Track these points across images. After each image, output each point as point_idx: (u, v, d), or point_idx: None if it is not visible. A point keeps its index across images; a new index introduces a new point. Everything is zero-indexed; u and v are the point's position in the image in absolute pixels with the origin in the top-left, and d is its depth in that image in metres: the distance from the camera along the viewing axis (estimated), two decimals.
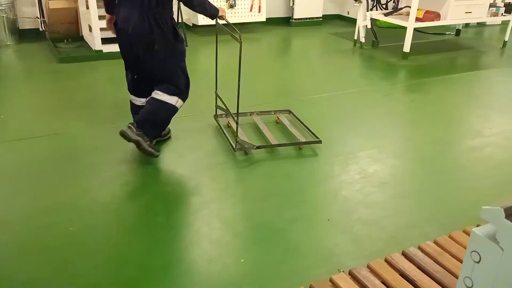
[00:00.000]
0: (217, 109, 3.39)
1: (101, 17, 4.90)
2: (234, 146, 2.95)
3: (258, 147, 2.98)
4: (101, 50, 4.94)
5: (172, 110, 2.85)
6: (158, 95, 2.79)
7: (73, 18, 5.52)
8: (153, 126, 2.80)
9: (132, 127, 2.71)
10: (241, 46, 2.71)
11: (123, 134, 2.69)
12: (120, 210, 2.37)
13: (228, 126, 3.31)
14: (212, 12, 2.82)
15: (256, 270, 1.98)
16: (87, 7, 4.99)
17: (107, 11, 2.86)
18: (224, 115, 3.41)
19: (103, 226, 2.24)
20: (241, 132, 3.05)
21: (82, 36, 5.52)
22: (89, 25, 5.21)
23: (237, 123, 2.94)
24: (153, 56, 2.66)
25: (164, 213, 2.34)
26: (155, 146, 2.86)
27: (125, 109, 3.63)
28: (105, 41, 5.00)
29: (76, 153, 2.95)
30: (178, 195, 2.54)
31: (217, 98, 3.35)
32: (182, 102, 2.89)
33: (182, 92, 2.86)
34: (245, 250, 2.10)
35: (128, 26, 2.59)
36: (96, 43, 4.90)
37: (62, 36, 5.43)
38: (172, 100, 2.81)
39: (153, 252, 2.06)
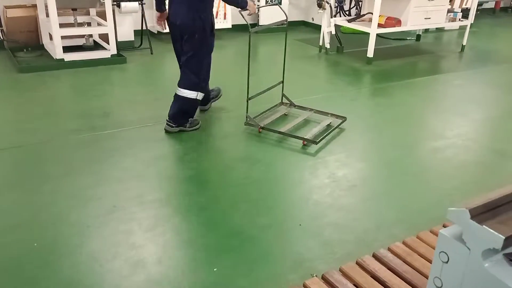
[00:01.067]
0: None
1: (62, 25, 4.78)
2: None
3: (263, 128, 3.39)
4: (63, 59, 4.81)
5: (194, 102, 3.37)
6: (180, 91, 3.30)
7: (33, 27, 5.36)
8: (183, 116, 3.36)
9: (169, 123, 3.32)
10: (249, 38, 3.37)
11: (166, 131, 3.33)
12: (82, 223, 2.30)
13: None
14: (242, 5, 3.30)
15: (229, 279, 1.96)
16: (47, 15, 4.85)
17: (157, 9, 3.43)
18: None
19: (67, 240, 2.16)
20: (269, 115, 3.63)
21: (43, 44, 5.36)
22: (49, 33, 5.07)
23: (247, 102, 3.47)
24: (192, 44, 3.19)
25: (139, 231, 2.29)
26: (193, 122, 3.42)
27: (87, 119, 3.55)
28: (66, 49, 4.87)
29: (38, 166, 2.84)
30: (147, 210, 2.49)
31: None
32: (202, 94, 3.37)
33: (201, 86, 3.33)
34: (217, 259, 2.07)
35: (177, 19, 3.17)
36: (57, 52, 4.77)
37: (22, 45, 5.25)
38: (193, 94, 3.31)
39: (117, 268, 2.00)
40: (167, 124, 3.32)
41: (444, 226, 2.04)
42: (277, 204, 2.54)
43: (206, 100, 3.69)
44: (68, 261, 2.03)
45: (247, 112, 3.46)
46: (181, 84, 3.30)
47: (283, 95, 3.91)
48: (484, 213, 1.15)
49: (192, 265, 2.04)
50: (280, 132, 3.33)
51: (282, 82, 3.87)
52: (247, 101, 3.45)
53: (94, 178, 2.70)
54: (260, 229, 2.30)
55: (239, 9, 3.33)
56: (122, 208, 2.41)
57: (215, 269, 2.00)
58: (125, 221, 2.32)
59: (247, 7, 3.31)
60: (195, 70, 3.26)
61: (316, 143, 3.20)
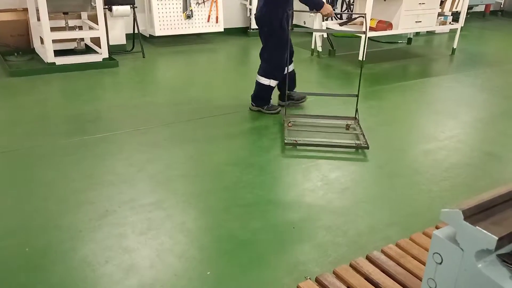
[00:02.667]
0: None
1: (53, 29, 4.75)
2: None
3: (298, 144, 3.36)
4: (54, 63, 4.78)
5: (269, 88, 3.81)
6: (258, 78, 3.82)
7: (24, 30, 5.32)
8: (260, 99, 3.87)
9: (251, 103, 3.91)
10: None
11: (250, 109, 3.92)
12: (74, 227, 2.28)
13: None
14: (316, 6, 3.65)
15: (223, 283, 1.95)
16: (38, 19, 4.82)
17: None
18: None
19: (59, 245, 2.14)
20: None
21: (34, 48, 5.32)
22: (40, 37, 5.04)
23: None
24: (263, 35, 3.70)
25: (133, 234, 2.27)
26: (271, 107, 3.88)
27: (79, 123, 3.54)
28: (57, 53, 4.84)
29: (29, 171, 2.82)
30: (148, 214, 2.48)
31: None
32: (275, 81, 3.79)
33: (273, 75, 3.76)
34: (210, 263, 2.07)
35: (256, 13, 3.68)
36: (48, 56, 4.74)
37: (12, 49, 5.22)
38: (266, 81, 3.78)
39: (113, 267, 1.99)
40: (251, 103, 3.89)
41: (437, 228, 2.04)
42: (270, 208, 2.54)
43: (286, 97, 3.82)
44: (61, 266, 2.01)
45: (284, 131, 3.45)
46: (258, 71, 3.81)
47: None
48: (477, 214, 1.15)
49: (185, 269, 2.03)
50: (322, 145, 3.27)
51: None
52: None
53: (86, 182, 2.68)
54: (253, 233, 2.29)
55: (314, 10, 3.70)
56: (115, 212, 2.40)
57: (208, 273, 1.99)
58: (118, 225, 2.30)
59: (321, 10, 3.64)
60: (266, 59, 3.73)
61: (368, 147, 3.26)
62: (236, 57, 6.03)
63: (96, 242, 2.17)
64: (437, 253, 1.16)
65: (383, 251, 1.89)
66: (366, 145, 3.27)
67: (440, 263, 1.16)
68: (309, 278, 1.88)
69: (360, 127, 3.53)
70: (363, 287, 1.70)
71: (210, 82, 4.63)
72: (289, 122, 3.57)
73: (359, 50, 5.44)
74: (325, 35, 5.87)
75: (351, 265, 1.84)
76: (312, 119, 3.71)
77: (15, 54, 5.19)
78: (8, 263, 2.01)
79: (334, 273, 1.83)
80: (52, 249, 2.11)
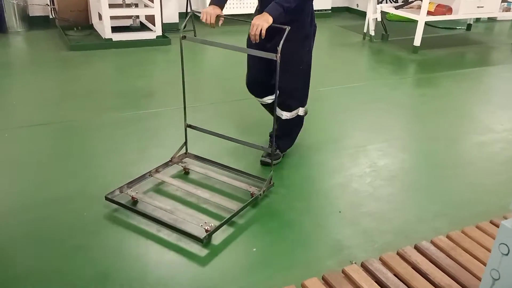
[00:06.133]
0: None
1: (111, 6, 4.89)
2: None
3: None
4: (111, 39, 4.94)
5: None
6: (289, 112, 2.78)
7: (83, 6, 5.51)
8: (294, 139, 2.92)
9: (276, 151, 2.87)
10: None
11: (269, 163, 2.78)
12: (123, 198, 2.38)
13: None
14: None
15: (268, 259, 1.99)
16: None
17: None
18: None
19: (113, 211, 2.25)
20: None
21: (92, 24, 5.51)
22: (99, 13, 5.20)
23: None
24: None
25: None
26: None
27: (131, 98, 3.66)
28: (114, 29, 4.99)
29: (83, 142, 2.96)
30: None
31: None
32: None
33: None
34: (256, 240, 2.11)
35: None
36: (106, 32, 4.90)
37: (72, 24, 5.43)
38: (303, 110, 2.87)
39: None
40: (273, 153, 2.93)
41: (505, 218, 1.98)
42: (315, 190, 2.55)
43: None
44: (113, 231, 2.11)
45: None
46: (287, 103, 2.83)
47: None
48: None
49: (231, 244, 2.08)
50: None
51: None
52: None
53: (138, 156, 2.78)
54: (298, 213, 2.31)
55: None
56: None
57: (254, 249, 2.04)
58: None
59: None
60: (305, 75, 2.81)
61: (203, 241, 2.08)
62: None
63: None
64: (503, 243, 1.13)
65: (432, 242, 1.86)
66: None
67: (507, 254, 1.13)
68: (355, 263, 1.88)
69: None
70: (410, 276, 1.68)
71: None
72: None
73: (414, 35, 5.25)
74: (379, 19, 5.70)
75: (398, 253, 1.83)
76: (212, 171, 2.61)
77: (74, 29, 5.39)
78: (66, 225, 2.14)
79: (380, 259, 1.82)
80: (107, 215, 2.22)
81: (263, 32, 2.16)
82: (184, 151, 2.72)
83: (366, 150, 2.98)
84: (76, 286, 1.80)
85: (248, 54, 2.62)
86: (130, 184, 2.39)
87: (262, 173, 2.61)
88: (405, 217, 2.33)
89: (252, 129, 3.16)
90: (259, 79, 2.67)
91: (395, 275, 1.73)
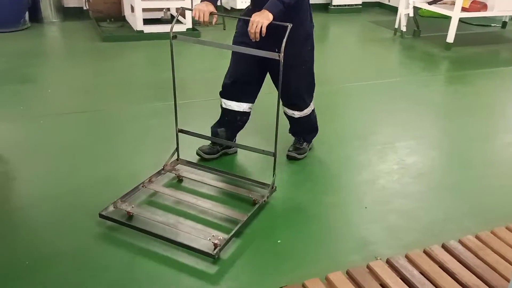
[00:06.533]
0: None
1: None
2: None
3: None
4: (142, 31, 5.02)
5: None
6: (301, 110, 2.71)
7: None
8: (315, 130, 2.86)
9: (300, 145, 2.80)
10: None
11: (295, 157, 2.72)
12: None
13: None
14: None
15: (292, 252, 2.01)
16: None
17: None
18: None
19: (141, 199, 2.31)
20: None
21: (124, 16, 5.61)
22: (131, 5, 5.29)
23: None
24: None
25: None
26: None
27: (162, 89, 3.72)
28: (146, 22, 5.07)
29: (116, 129, 3.03)
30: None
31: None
32: None
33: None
34: (281, 232, 2.13)
35: None
36: (138, 24, 4.98)
37: (105, 16, 5.54)
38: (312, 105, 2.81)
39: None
40: (298, 146, 2.83)
41: None
42: (342, 185, 2.54)
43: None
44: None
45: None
46: (296, 100, 2.63)
47: None
48: None
49: (256, 236, 2.10)
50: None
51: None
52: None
53: (165, 145, 2.83)
54: (324, 207, 2.32)
55: None
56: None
57: (279, 241, 2.06)
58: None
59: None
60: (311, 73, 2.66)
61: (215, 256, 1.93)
62: (315, 34, 5.93)
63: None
64: None
65: (461, 242, 1.84)
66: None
67: None
68: (380, 259, 1.88)
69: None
70: (437, 275, 1.67)
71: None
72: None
73: (447, 32, 5.13)
74: (411, 14, 5.59)
75: (425, 252, 1.82)
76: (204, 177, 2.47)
77: (107, 20, 5.51)
78: (95, 212, 2.20)
79: (406, 257, 1.82)
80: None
81: (264, 29, 2.03)
82: (176, 158, 2.54)
83: (394, 147, 2.95)
84: (101, 268, 1.86)
85: (233, 52, 2.46)
86: (124, 197, 2.19)
87: (261, 177, 2.46)
88: (432, 216, 2.30)
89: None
90: (246, 80, 2.48)
91: (421, 273, 1.72)
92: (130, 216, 2.13)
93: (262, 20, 2.03)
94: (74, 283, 1.78)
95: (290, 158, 2.73)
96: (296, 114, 2.62)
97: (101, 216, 2.09)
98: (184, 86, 3.83)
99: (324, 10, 6.91)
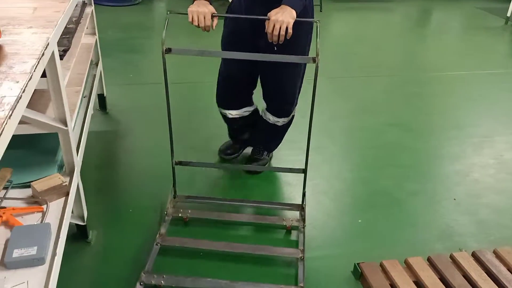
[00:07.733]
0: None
1: None
2: None
3: None
4: None
5: None
6: (284, 117, 2.39)
7: None
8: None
9: (264, 155, 2.53)
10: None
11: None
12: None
13: None
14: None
15: (371, 232, 2.00)
16: None
17: None
18: None
19: None
20: None
21: None
22: None
23: None
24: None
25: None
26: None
27: None
28: None
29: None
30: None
31: None
32: None
33: None
34: (362, 212, 2.13)
35: None
36: None
37: None
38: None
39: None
40: (260, 156, 2.48)
41: None
42: (428, 173, 2.45)
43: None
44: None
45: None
46: (281, 107, 2.27)
47: None
48: None
49: (338, 213, 2.13)
50: None
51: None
52: None
53: None
54: (408, 194, 2.26)
55: None
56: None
57: (359, 221, 2.06)
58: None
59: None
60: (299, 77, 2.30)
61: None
62: (412, 19, 5.66)
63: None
64: None
65: None
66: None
67: None
68: (465, 251, 1.80)
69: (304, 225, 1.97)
70: None
71: (381, 41, 4.46)
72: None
73: None
74: None
75: None
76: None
77: None
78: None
79: (495, 252, 1.73)
80: None
81: (290, 30, 1.64)
82: (173, 196, 2.08)
83: (493, 141, 2.77)
84: None
85: (223, 59, 2.12)
86: (145, 269, 1.71)
87: (281, 197, 2.23)
88: None
89: None
90: (239, 78, 2.15)
91: (509, 270, 1.63)
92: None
93: (287, 19, 1.62)
94: None
95: (251, 172, 2.36)
96: (281, 121, 2.23)
97: None
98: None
99: None
